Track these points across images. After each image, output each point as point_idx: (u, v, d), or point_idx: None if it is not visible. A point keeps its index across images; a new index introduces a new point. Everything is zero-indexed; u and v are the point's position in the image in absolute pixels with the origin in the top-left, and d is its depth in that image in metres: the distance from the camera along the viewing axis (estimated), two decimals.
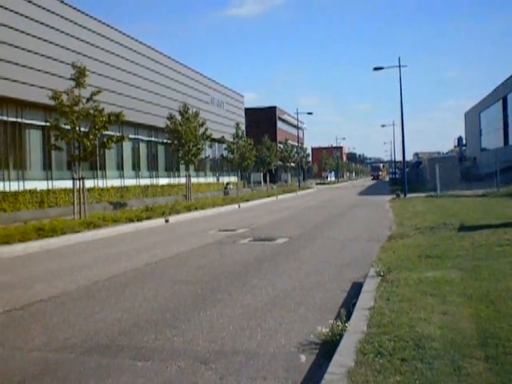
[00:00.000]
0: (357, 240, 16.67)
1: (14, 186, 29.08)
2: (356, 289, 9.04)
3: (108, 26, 40.09)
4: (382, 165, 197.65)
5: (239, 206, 37.18)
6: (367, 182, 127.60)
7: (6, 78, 27.94)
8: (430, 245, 12.89)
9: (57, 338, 7.14)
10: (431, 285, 8.29)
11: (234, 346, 6.55)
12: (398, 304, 7.22)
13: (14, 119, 29.93)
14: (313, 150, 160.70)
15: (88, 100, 22.97)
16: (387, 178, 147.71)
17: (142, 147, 46.33)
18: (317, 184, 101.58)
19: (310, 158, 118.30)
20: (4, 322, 8.12)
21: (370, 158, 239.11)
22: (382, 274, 9.30)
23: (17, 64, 28.85)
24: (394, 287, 8.29)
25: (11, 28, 28.67)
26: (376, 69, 46.66)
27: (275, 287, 9.86)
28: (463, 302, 7.19)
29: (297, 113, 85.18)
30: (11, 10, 28.87)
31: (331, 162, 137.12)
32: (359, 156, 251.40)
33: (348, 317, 6.85)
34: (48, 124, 25.13)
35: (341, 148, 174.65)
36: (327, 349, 6.11)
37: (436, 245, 12.83)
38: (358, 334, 6.07)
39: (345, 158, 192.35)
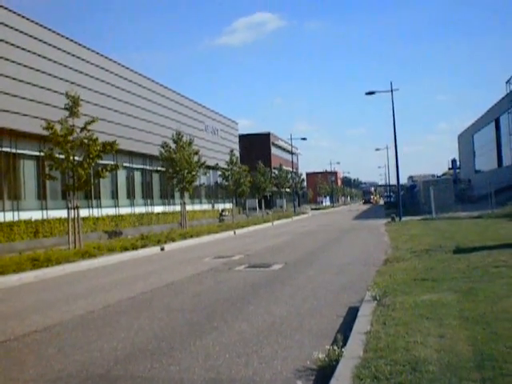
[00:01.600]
0: (353, 264, 16.64)
1: (8, 217, 29.05)
2: (352, 313, 9.00)
3: (101, 55, 40.35)
4: (373, 189, 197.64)
5: (235, 233, 37.14)
6: (362, 206, 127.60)
7: (0, 109, 28.02)
8: (426, 268, 12.87)
9: (52, 368, 7.09)
10: (427, 308, 8.27)
11: (230, 373, 6.51)
12: (395, 328, 7.19)
13: (8, 149, 29.98)
14: (307, 175, 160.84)
15: (82, 129, 23.02)
16: (381, 202, 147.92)
17: (137, 175, 46.40)
18: (312, 209, 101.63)
19: (304, 183, 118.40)
20: None
21: (365, 183, 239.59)
22: (377, 298, 9.28)
23: (10, 94, 28.96)
24: (390, 311, 8.26)
25: (4, 59, 28.80)
26: (368, 93, 46.92)
27: (271, 314, 9.82)
28: (459, 325, 7.17)
29: (291, 138, 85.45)
30: (5, 41, 29.02)
31: (326, 186, 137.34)
32: (354, 180, 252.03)
33: (344, 342, 6.83)
34: (42, 154, 25.15)
35: (335, 173, 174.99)
36: (324, 374, 6.08)
37: (432, 267, 12.81)
38: (355, 358, 6.05)
39: (340, 182, 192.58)
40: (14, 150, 30.43)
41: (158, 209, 48.47)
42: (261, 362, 6.85)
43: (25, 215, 29.89)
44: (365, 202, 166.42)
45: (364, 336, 6.96)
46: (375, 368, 5.61)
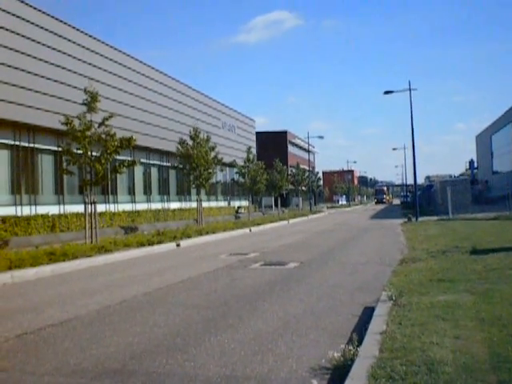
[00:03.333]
0: (368, 264, 16.62)
1: (26, 211, 29.22)
2: (368, 313, 9.00)
3: (120, 51, 40.42)
4: (385, 187, 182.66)
5: (250, 230, 37.14)
6: (378, 205, 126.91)
7: (19, 104, 28.18)
8: (442, 268, 12.83)
9: (68, 362, 7.12)
10: (443, 309, 8.24)
11: (245, 370, 6.52)
12: (410, 328, 7.18)
13: (26, 144, 30.13)
14: (324, 173, 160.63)
15: (100, 125, 23.07)
16: (395, 201, 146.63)
17: (154, 171, 46.51)
18: (328, 208, 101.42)
19: (321, 182, 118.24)
20: (15, 346, 8.11)
21: (382, 182, 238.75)
22: (393, 298, 9.27)
23: (29, 89, 29.11)
24: (405, 311, 8.25)
25: (24, 54, 28.96)
26: (386, 92, 46.82)
27: (286, 312, 9.83)
28: (476, 326, 7.15)
29: (308, 137, 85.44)
30: (24, 36, 29.18)
31: (342, 185, 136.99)
32: (370, 179, 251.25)
33: (360, 341, 6.82)
34: (60, 149, 25.25)
35: (352, 172, 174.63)
36: (339, 374, 6.08)
37: (448, 268, 12.77)
38: (370, 358, 6.04)
39: (356, 181, 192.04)
40: (31, 145, 30.57)
41: (175, 205, 48.53)
42: (276, 360, 6.86)
43: (42, 209, 30.03)
44: (377, 202, 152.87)
45: (379, 336, 6.95)
46: (391, 368, 5.61)
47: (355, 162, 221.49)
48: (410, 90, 44.23)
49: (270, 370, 6.49)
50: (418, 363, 5.74)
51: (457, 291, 9.70)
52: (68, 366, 6.96)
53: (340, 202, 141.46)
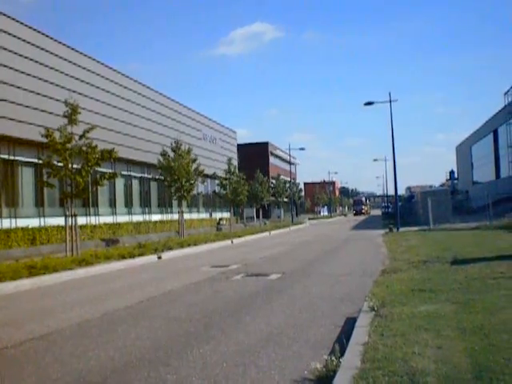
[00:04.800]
0: (350, 275, 16.63)
1: (6, 224, 29.04)
2: (350, 324, 9.00)
3: (101, 63, 40.38)
4: (364, 198, 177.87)
5: (232, 242, 37.10)
6: (359, 216, 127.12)
7: (2, 116, 28.03)
8: (424, 279, 12.86)
9: (49, 376, 7.07)
10: (425, 319, 8.26)
11: (227, 383, 6.49)
12: (392, 339, 7.18)
13: (6, 156, 29.98)
14: (305, 184, 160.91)
15: (81, 137, 23.00)
16: (378, 212, 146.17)
17: (135, 183, 46.41)
18: (309, 219, 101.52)
19: (302, 193, 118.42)
20: None
21: (363, 193, 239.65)
22: (375, 308, 9.28)
23: (8, 101, 28.96)
24: (387, 322, 8.26)
25: (4, 66, 28.83)
26: (367, 104, 46.97)
27: (269, 324, 9.81)
28: (457, 336, 7.17)
29: (289, 148, 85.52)
30: (5, 49, 29.06)
31: (324, 196, 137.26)
32: (352, 190, 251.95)
33: (342, 352, 6.81)
34: (40, 161, 25.15)
35: (333, 183, 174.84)
36: None
37: (429, 278, 12.81)
38: (353, 369, 6.03)
39: (337, 192, 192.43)
40: (12, 157, 30.44)
41: (156, 217, 48.45)
42: (258, 372, 6.84)
43: (22, 222, 29.87)
44: (356, 214, 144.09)
45: (362, 347, 6.95)
46: (373, 379, 5.61)
47: (336, 173, 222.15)
48: (390, 101, 44.41)
49: (253, 383, 6.46)
50: (400, 373, 5.74)
51: (438, 301, 9.72)
52: (49, 381, 6.92)
53: (322, 213, 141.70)
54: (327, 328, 9.20)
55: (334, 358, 6.50)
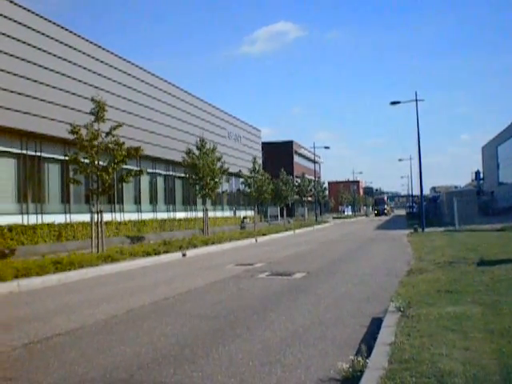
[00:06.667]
0: (375, 275, 16.57)
1: (32, 220, 29.24)
2: (375, 324, 8.97)
3: (127, 61, 40.52)
4: (386, 197, 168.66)
5: (256, 240, 37.12)
6: (385, 216, 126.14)
7: (26, 113, 28.25)
8: (450, 279, 12.78)
9: (75, 372, 7.10)
10: (452, 320, 8.21)
11: (253, 381, 6.48)
12: (419, 339, 7.14)
13: (33, 153, 30.18)
14: (329, 184, 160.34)
15: (107, 134, 23.11)
16: (402, 212, 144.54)
17: (160, 181, 46.52)
18: (334, 218, 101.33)
19: (326, 192, 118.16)
20: (22, 355, 8.10)
21: (387, 192, 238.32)
22: (401, 309, 9.23)
23: (36, 98, 29.17)
24: (414, 322, 8.21)
25: (31, 63, 29.06)
26: (393, 103, 46.79)
27: (294, 322, 9.80)
28: (485, 338, 7.11)
29: (313, 147, 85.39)
30: (33, 46, 29.29)
31: (348, 196, 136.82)
32: (376, 190, 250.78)
33: (368, 352, 6.79)
34: (67, 158, 25.29)
35: (358, 182, 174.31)
36: None
37: (455, 279, 12.72)
38: (380, 370, 6.00)
39: (362, 192, 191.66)
40: (38, 154, 30.63)
41: (180, 215, 48.55)
42: (284, 371, 6.82)
43: (48, 218, 30.05)
44: (377, 214, 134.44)
45: (388, 347, 6.92)
46: (400, 380, 5.58)
47: (361, 173, 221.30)
48: (416, 100, 44.16)
49: (279, 381, 6.45)
50: (427, 375, 5.71)
51: (465, 302, 9.65)
52: (75, 376, 6.94)
53: (346, 213, 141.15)
54: (353, 328, 9.17)
55: (360, 359, 6.47)
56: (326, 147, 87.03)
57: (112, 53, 38.38)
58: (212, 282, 16.08)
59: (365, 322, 9.54)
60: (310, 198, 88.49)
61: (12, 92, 27.50)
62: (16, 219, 27.89)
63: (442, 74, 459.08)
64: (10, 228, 26.18)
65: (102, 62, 36.26)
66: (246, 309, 11.31)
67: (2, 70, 26.92)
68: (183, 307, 11.81)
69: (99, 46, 36.55)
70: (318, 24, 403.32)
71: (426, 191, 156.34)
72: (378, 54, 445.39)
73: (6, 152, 28.47)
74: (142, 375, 6.87)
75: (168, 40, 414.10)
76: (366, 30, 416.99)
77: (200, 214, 47.33)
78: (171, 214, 47.02)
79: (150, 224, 40.17)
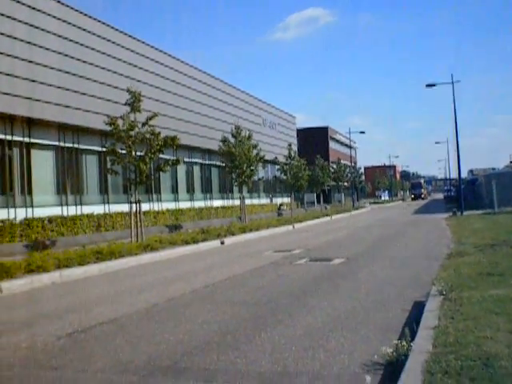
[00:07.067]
0: (415, 259, 16.46)
1: (71, 211, 29.61)
2: (418, 308, 8.91)
3: (161, 51, 40.70)
4: (422, 180, 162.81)
5: (293, 227, 37.11)
6: (422, 200, 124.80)
7: (64, 105, 28.55)
8: (491, 262, 12.62)
9: (120, 359, 7.17)
10: (495, 303, 8.11)
11: (297, 366, 6.48)
12: (463, 323, 7.07)
13: (70, 145, 30.52)
14: (365, 169, 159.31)
15: (143, 124, 23.23)
16: (439, 196, 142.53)
17: (196, 170, 46.74)
18: (370, 203, 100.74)
19: (363, 178, 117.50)
20: (67, 344, 8.20)
21: (424, 176, 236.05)
22: (444, 292, 9.14)
23: (72, 90, 29.46)
24: (457, 306, 8.14)
25: (68, 56, 29.33)
26: (428, 85, 46.34)
27: (335, 308, 9.78)
28: None
29: (349, 132, 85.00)
30: (70, 40, 29.56)
31: (384, 180, 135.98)
32: (413, 174, 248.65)
33: (412, 336, 6.73)
34: (104, 149, 25.52)
35: (394, 167, 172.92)
36: (392, 369, 6.03)
37: (497, 262, 12.56)
38: (424, 353, 5.95)
39: (398, 176, 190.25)
40: (76, 146, 30.96)
41: (217, 203, 48.75)
42: (327, 356, 6.81)
43: (87, 209, 30.41)
44: (414, 198, 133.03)
45: (432, 331, 6.86)
46: (446, 363, 5.52)
47: (397, 157, 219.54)
48: (452, 82, 43.68)
49: (322, 366, 6.44)
50: (473, 358, 5.65)
51: (508, 285, 9.53)
52: (120, 364, 7.01)
53: (382, 198, 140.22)
54: (395, 312, 9.12)
55: (404, 343, 6.42)
56: (362, 132, 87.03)
57: (147, 44, 38.59)
58: (251, 269, 16.12)
59: (407, 306, 9.48)
60: (346, 184, 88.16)
61: (50, 86, 27.80)
62: (56, 211, 28.30)
63: (478, 55, 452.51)
64: (51, 219, 26.57)
65: (137, 53, 36.49)
66: (286, 295, 11.32)
67: (39, 64, 27.21)
68: (224, 294, 11.86)
69: (134, 38, 36.77)
70: (349, 8, 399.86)
71: (464, 174, 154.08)
72: (412, 37, 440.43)
73: (45, 145, 28.84)
74: (185, 362, 6.90)
75: (200, 29, 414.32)
76: (396, 13, 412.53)
77: (237, 202, 47.53)
78: (208, 203, 47.24)
79: (187, 213, 40.42)
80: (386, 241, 23.80)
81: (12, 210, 25.92)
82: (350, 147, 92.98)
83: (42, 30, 27.69)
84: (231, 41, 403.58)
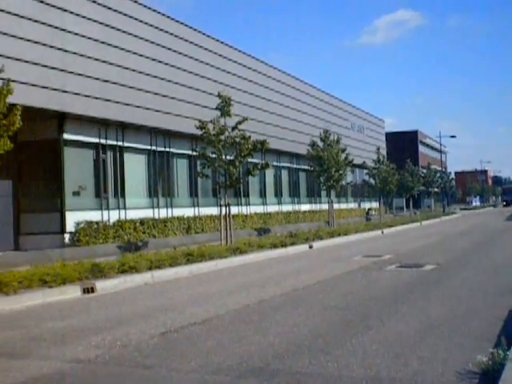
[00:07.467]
0: (509, 267, 16.06)
1: (162, 213, 30.15)
2: None
3: (250, 56, 40.98)
4: None
5: (382, 232, 36.72)
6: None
7: (156, 110, 29.14)
8: None
9: (212, 360, 7.26)
10: None
11: (389, 373, 6.42)
12: None
13: (162, 149, 31.10)
14: (456, 174, 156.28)
15: (233, 128, 23.50)
16: None
17: (284, 174, 46.83)
18: (461, 209, 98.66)
19: (453, 183, 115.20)
20: (160, 343, 8.36)
21: None
22: None
23: (165, 96, 30.03)
24: None
25: (161, 62, 29.93)
26: None
27: (427, 315, 9.64)
28: None
29: (439, 136, 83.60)
30: (162, 46, 30.18)
31: (476, 186, 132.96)
32: (505, 180, 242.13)
33: (508, 345, 6.58)
34: (194, 153, 25.91)
35: (485, 172, 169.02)
36: (488, 378, 5.90)
37: None
38: None
39: (490, 182, 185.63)
40: (167, 149, 31.53)
41: (305, 207, 48.71)
42: (420, 363, 6.72)
43: (177, 212, 30.89)
44: (506, 205, 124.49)
45: None
46: None
47: (489, 162, 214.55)
48: None
49: (415, 373, 6.35)
50: None
51: None
52: (212, 364, 7.09)
53: (473, 204, 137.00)
54: (489, 320, 8.93)
55: (500, 351, 6.28)
56: (453, 136, 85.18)
57: (235, 48, 38.93)
58: (340, 273, 16.06)
59: (501, 314, 9.25)
60: (436, 189, 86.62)
61: (143, 91, 28.43)
62: (147, 213, 28.88)
63: None
64: (142, 222, 27.18)
65: (225, 57, 36.83)
66: (376, 300, 11.24)
67: (134, 70, 27.87)
68: (313, 298, 11.86)
69: (222, 42, 37.16)
70: (439, 10, 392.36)
71: None
72: (503, 39, 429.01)
73: (138, 148, 29.51)
74: (277, 364, 6.93)
75: (285, 33, 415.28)
76: (488, 14, 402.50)
77: (324, 206, 47.37)
78: (296, 207, 47.26)
79: (275, 216, 40.60)
80: (477, 248, 23.28)
81: (106, 212, 26.59)
82: (441, 152, 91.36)
83: (134, 35, 28.34)
84: (317, 45, 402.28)
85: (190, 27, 33.47)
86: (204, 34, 34.91)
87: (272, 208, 42.49)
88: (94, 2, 25.70)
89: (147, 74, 28.82)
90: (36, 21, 22.38)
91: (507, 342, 6.69)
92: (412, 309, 10.22)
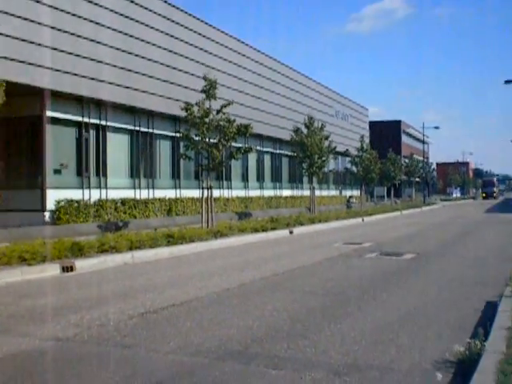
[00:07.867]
0: (488, 258, 16.18)
1: (144, 194, 30.05)
2: (490, 308, 8.77)
3: (237, 40, 40.80)
4: (495, 179, 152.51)
5: (363, 220, 36.86)
6: (494, 199, 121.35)
7: (139, 90, 28.94)
8: None
9: (191, 342, 7.28)
10: None
11: (367, 360, 6.47)
12: None
13: (145, 129, 30.95)
14: (437, 165, 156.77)
15: (218, 112, 23.42)
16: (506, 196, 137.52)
17: (267, 159, 46.79)
18: (441, 200, 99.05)
19: (435, 173, 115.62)
20: (139, 324, 8.36)
21: (498, 175, 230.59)
22: None
23: (149, 76, 29.82)
24: None
25: (145, 41, 29.72)
26: (507, 82, 45.31)
27: (406, 303, 9.72)
28: None
29: (423, 127, 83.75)
30: (145, 24, 29.96)
31: (457, 177, 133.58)
32: (486, 172, 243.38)
33: (485, 336, 6.63)
34: (177, 134, 25.81)
35: (467, 164, 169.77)
36: (464, 368, 5.94)
37: None
38: (498, 353, 5.86)
39: (471, 174, 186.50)
40: (150, 130, 31.38)
41: (286, 193, 48.74)
42: (398, 351, 6.77)
43: (159, 193, 30.81)
44: (485, 197, 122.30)
45: (506, 331, 6.75)
46: None
47: (471, 154, 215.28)
48: None
49: (392, 361, 6.41)
50: None
51: None
52: (191, 345, 7.11)
53: (454, 195, 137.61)
54: (466, 311, 9.00)
55: (477, 342, 6.33)
56: (436, 127, 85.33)
57: (221, 31, 38.70)
58: (321, 259, 16.12)
59: (479, 305, 9.33)
60: (417, 179, 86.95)
61: (126, 70, 28.22)
62: (129, 193, 28.78)
63: None
64: (123, 202, 27.09)
65: (212, 40, 36.64)
66: (355, 287, 11.30)
67: (118, 49, 27.66)
68: (293, 283, 11.91)
69: (210, 25, 36.94)
70: (427, 0, 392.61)
71: None
72: (492, 31, 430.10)
73: (121, 128, 29.34)
74: (256, 348, 6.97)
75: (273, 21, 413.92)
76: (477, 4, 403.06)
77: (306, 193, 47.45)
78: (277, 192, 47.28)
79: (256, 201, 40.62)
80: (457, 239, 23.43)
81: (87, 191, 26.46)
82: (424, 142, 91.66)
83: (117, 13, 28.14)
84: (303, 31, 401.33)
85: (175, 6, 33.18)
86: (186, 12, 34.56)
87: (254, 192, 42.46)
88: None
89: (128, 52, 28.51)
90: None
91: (484, 332, 6.75)
92: (390, 296, 10.28)
